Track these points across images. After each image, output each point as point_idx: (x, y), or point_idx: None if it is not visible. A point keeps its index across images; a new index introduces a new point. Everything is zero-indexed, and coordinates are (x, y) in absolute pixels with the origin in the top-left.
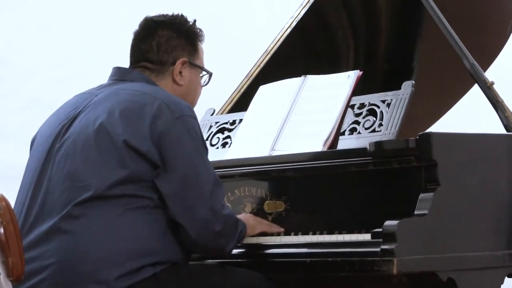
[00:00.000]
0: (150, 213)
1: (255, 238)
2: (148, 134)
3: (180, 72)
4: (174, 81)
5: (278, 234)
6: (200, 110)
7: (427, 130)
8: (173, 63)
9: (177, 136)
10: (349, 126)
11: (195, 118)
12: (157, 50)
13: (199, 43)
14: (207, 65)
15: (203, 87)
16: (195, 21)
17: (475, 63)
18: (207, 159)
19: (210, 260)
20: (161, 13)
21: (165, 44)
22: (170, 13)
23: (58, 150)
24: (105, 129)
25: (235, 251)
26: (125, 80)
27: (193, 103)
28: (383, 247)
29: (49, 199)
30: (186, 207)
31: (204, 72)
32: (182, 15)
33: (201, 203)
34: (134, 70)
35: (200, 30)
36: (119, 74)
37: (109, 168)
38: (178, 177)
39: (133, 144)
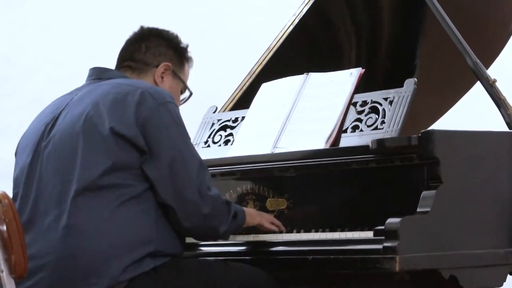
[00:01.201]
0: (141, 202)
1: (257, 235)
2: (133, 120)
3: (162, 77)
4: (155, 82)
5: (281, 231)
6: (202, 107)
7: (429, 128)
8: (157, 66)
9: (161, 121)
10: (351, 124)
11: (176, 106)
12: (145, 51)
13: (186, 63)
14: (209, 62)
15: (182, 103)
16: (187, 45)
17: (478, 60)
18: (191, 143)
19: (211, 258)
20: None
21: (154, 49)
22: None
23: (44, 148)
24: (91, 120)
25: (237, 248)
26: (102, 78)
27: None
28: (385, 244)
29: (42, 197)
30: (174, 191)
31: (186, 93)
32: (177, 35)
33: (189, 186)
34: (112, 69)
35: (191, 57)
36: (96, 74)
37: (98, 158)
38: (165, 161)
39: (119, 130)
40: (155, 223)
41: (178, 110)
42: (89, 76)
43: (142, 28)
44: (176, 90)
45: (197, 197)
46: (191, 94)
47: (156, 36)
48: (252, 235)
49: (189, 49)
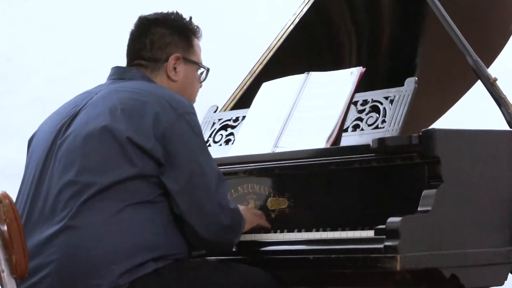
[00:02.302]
0: (151, 207)
1: (258, 235)
2: (151, 131)
3: (175, 68)
4: (169, 77)
5: (281, 231)
6: (203, 107)
7: (430, 127)
8: (167, 60)
9: (181, 133)
10: (352, 123)
11: (196, 115)
12: (151, 48)
13: (195, 39)
14: (210, 62)
15: (202, 83)
16: (191, 18)
17: (478, 59)
18: (210, 155)
19: (212, 257)
20: (156, 12)
21: (159, 41)
22: (165, 11)
23: (59, 147)
24: (108, 126)
25: (238, 248)
26: (124, 78)
27: (191, 99)
28: (386, 243)
29: (51, 196)
30: (194, 203)
31: (201, 69)
32: (177, 12)
33: (208, 198)
34: (133, 69)
35: (197, 26)
36: (118, 73)
37: (112, 164)
38: (185, 173)
39: (137, 141)
40: (164, 229)
41: (198, 119)
42: (111, 75)
43: (140, 20)
44: (192, 76)
45: (216, 209)
46: (207, 70)
47: (157, 25)
48: (253, 234)
49: (192, 21)
